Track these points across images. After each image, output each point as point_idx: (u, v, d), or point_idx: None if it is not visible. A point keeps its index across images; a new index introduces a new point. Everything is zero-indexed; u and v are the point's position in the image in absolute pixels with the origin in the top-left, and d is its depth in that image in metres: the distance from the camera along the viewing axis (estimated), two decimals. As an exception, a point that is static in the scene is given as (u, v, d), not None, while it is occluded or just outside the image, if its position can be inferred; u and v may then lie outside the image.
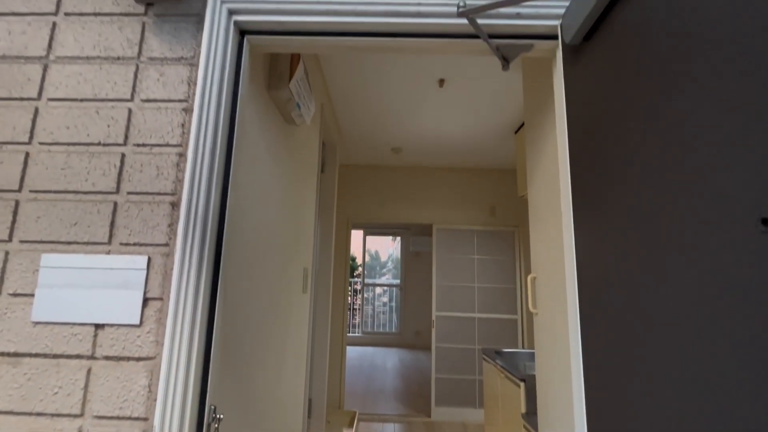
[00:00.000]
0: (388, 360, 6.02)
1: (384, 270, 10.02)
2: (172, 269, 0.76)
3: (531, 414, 1.81)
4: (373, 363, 5.76)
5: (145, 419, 0.71)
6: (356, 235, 8.61)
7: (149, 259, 0.77)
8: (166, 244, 0.78)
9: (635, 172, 0.65)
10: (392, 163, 3.94)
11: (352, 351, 6.60)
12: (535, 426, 1.69)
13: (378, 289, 8.26)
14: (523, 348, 3.58)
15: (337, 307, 3.67)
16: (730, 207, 0.46)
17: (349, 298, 8.23)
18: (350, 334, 7.43)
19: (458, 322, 3.67)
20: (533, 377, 1.88)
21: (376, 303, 8.06)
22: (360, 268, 8.36)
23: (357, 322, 7.75)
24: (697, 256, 0.51)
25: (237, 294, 1.03)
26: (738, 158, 0.45)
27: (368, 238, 7.81)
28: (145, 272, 0.76)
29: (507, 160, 3.72)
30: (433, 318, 3.65)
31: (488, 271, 3.78)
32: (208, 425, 0.78)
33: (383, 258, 10.26)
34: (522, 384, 1.88)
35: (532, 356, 2.54)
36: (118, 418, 0.71)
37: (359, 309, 7.86)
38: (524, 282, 3.69)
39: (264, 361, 1.25)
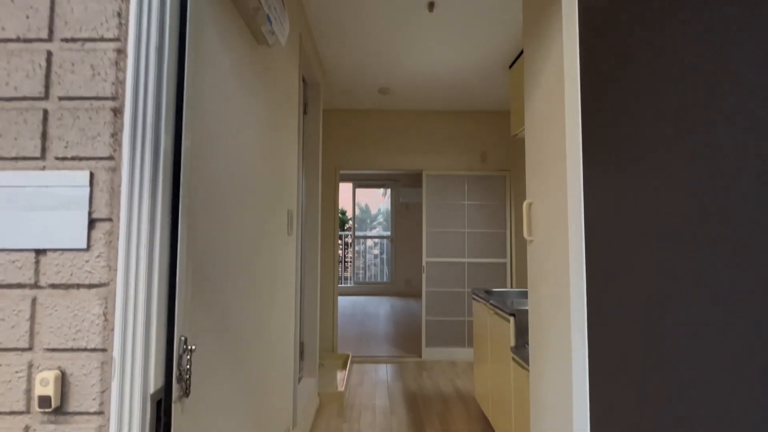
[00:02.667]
0: (380, 307, 6.16)
1: (374, 223, 10.03)
2: (120, 186, 0.66)
3: (520, 347, 1.84)
4: (366, 311, 5.89)
5: (104, 350, 0.64)
6: (346, 189, 8.49)
7: (92, 175, 0.66)
8: (111, 158, 0.66)
9: (671, 104, 0.55)
10: (380, 107, 3.75)
11: (344, 300, 6.73)
12: (524, 358, 1.71)
13: (369, 242, 8.30)
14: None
15: (327, 257, 3.64)
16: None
17: (341, 252, 8.28)
18: (342, 285, 7.54)
19: (448, 267, 3.69)
20: (522, 312, 1.89)
21: (368, 255, 8.13)
22: (350, 222, 8.33)
23: (349, 274, 7.85)
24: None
25: (210, 224, 0.94)
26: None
27: (358, 190, 7.69)
28: (87, 189, 0.65)
29: (498, 102, 3.56)
30: (423, 264, 3.66)
31: (478, 217, 3.75)
32: (179, 356, 0.71)
33: (373, 211, 10.23)
34: (511, 318, 1.89)
35: (521, 294, 2.57)
36: (72, 350, 0.63)
37: (351, 262, 7.93)
38: (514, 226, 3.68)
39: (247, 297, 1.19)
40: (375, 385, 3.00)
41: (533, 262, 1.11)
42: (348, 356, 3.41)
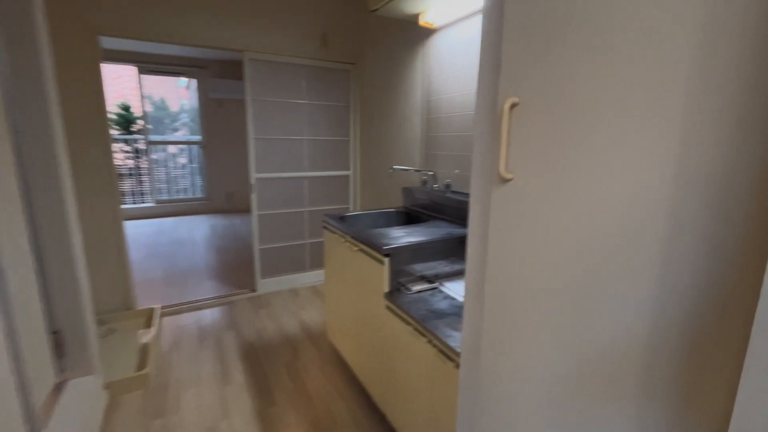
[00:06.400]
0: (196, 230, 5.07)
1: (178, 124, 7.94)
2: None
3: (394, 292, 1.48)
4: (176, 237, 4.73)
5: None
6: (126, 75, 6.20)
7: None
8: None
9: None
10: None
11: (143, 226, 5.26)
12: (402, 306, 1.35)
13: (172, 149, 6.53)
14: (354, 207, 3.32)
15: (93, 174, 2.39)
16: None
17: (131, 162, 6.26)
18: (137, 207, 5.87)
19: (284, 184, 3.01)
20: (400, 250, 1.49)
21: (171, 165, 6.44)
22: (140, 122, 6.24)
23: (147, 190, 6.12)
24: None
25: None
26: None
27: (146, 78, 5.61)
28: None
29: (344, -36, 2.69)
30: (252, 181, 2.86)
31: (320, 120, 3.07)
32: None
33: (174, 108, 8.01)
34: (386, 260, 1.48)
35: (375, 220, 2.20)
36: None
37: (147, 174, 6.14)
38: (359, 132, 3.19)
39: None
40: (198, 343, 2.31)
41: (509, 217, 0.61)
42: (153, 310, 2.53)
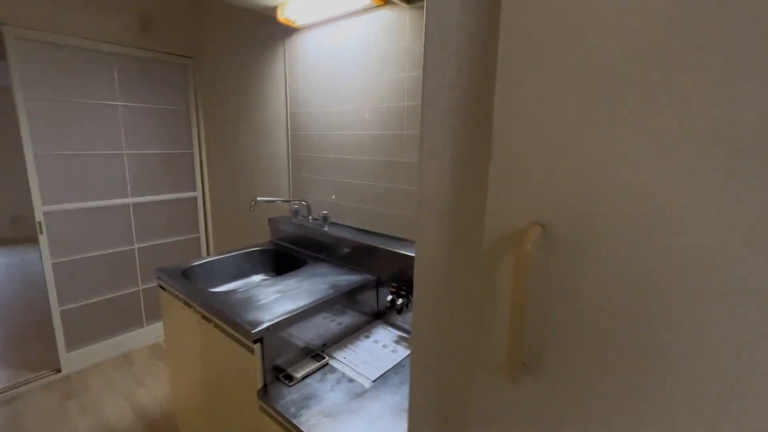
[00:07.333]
0: (-46, 279, 3.47)
1: None
2: None
3: (273, 384, 1.08)
4: None
5: None
6: None
7: None
8: None
9: None
10: None
11: None
12: (286, 416, 0.98)
13: None
14: (206, 238, 2.68)
15: None
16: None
17: None
18: None
19: (96, 216, 2.19)
20: (274, 328, 1.09)
21: None
22: None
23: None
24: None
25: None
26: None
27: None
28: None
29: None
30: (39, 217, 1.98)
31: (149, 128, 2.33)
32: None
33: None
34: (257, 348, 1.06)
35: (236, 267, 1.73)
36: None
37: None
38: (205, 141, 2.56)
39: None
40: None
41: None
42: None
